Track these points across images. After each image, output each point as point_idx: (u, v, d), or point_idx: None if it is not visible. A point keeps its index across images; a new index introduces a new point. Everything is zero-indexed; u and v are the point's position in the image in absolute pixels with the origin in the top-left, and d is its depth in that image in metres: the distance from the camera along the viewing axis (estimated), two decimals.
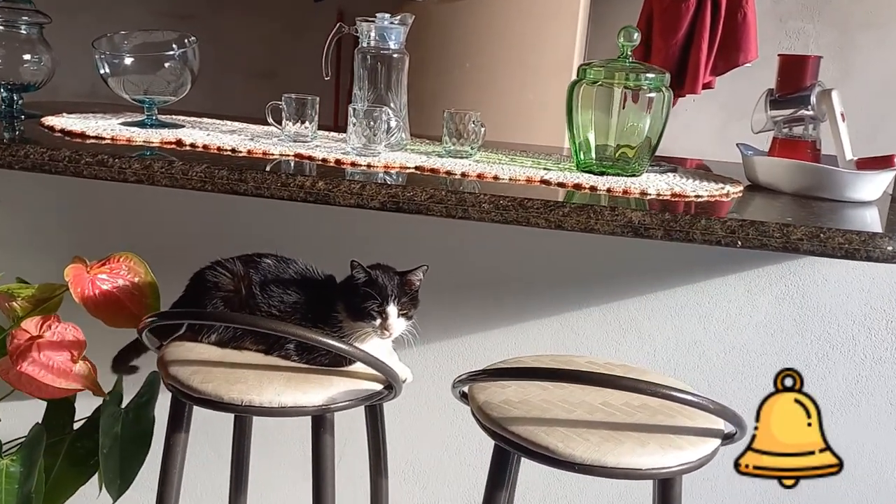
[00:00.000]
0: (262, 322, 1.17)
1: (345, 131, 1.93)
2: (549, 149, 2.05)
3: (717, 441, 1.14)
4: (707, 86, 2.94)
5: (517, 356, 1.39)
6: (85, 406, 1.58)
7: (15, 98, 1.81)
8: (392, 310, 1.24)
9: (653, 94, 1.52)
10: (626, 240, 1.31)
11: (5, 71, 1.78)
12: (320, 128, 1.77)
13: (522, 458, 1.16)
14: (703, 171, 1.76)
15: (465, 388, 1.25)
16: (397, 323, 1.24)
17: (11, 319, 1.42)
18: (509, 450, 1.15)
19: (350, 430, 1.60)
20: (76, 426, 1.59)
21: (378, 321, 1.23)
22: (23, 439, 1.51)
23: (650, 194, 1.43)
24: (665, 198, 1.43)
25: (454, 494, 1.77)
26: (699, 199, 1.44)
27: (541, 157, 1.77)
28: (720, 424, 1.16)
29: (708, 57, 2.87)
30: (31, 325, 1.35)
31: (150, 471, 1.53)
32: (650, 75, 1.53)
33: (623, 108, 1.52)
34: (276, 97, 1.68)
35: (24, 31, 1.79)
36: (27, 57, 1.79)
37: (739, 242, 1.25)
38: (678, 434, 1.12)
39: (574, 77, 1.59)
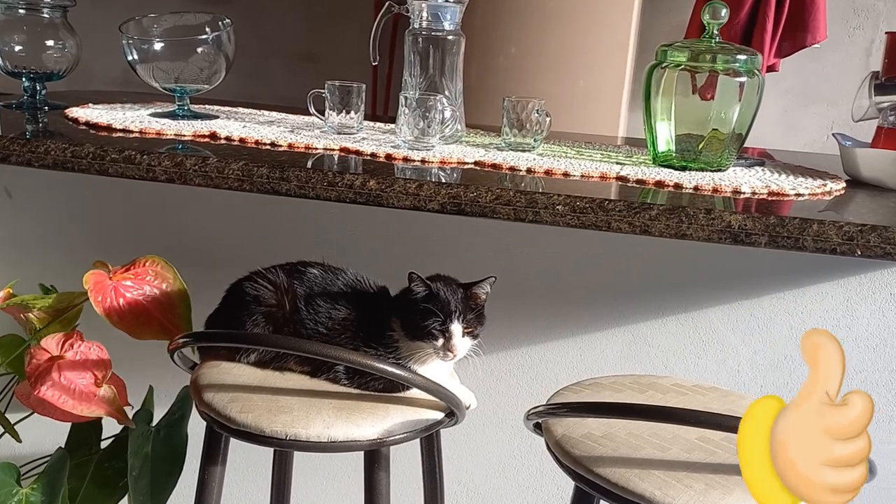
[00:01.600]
0: (309, 346, 1.02)
1: (386, 121, 1.78)
2: (614, 139, 1.87)
3: None
4: (771, 68, 2.73)
5: (591, 377, 1.23)
6: (112, 423, 1.46)
7: (38, 88, 1.68)
8: (456, 328, 1.08)
9: (744, 79, 1.34)
10: (706, 243, 1.14)
11: (27, 58, 1.65)
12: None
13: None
14: (795, 164, 1.57)
15: (539, 420, 1.09)
16: (461, 343, 1.09)
17: (29, 332, 1.29)
18: (593, 493, 0.99)
19: (402, 456, 1.45)
20: (104, 444, 1.47)
21: (440, 341, 1.08)
22: (47, 459, 1.39)
23: (744, 193, 1.26)
24: (761, 197, 1.25)
25: None
26: (800, 199, 1.26)
27: (610, 149, 1.60)
28: None
29: (773, 38, 2.67)
30: (51, 343, 1.21)
31: (182, 492, 1.41)
32: (741, 57, 1.35)
33: (710, 94, 1.34)
34: (317, 83, 1.53)
35: (47, 16, 1.65)
36: (50, 43, 1.66)
37: (859, 251, 1.08)
38: None
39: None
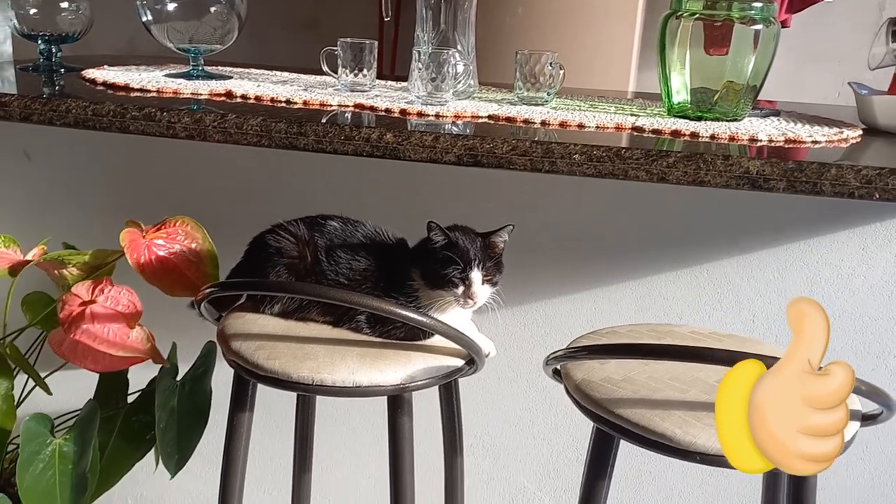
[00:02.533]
0: (335, 293, 1.04)
1: (396, 80, 1.79)
2: (626, 94, 1.87)
3: (857, 424, 0.99)
4: (783, 24, 2.71)
5: (608, 326, 1.25)
6: (137, 378, 1.49)
7: (53, 50, 1.69)
8: (476, 276, 1.10)
9: (760, 27, 1.34)
10: (719, 192, 1.15)
11: (42, 21, 1.66)
12: None
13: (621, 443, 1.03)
14: (810, 115, 1.57)
15: (559, 365, 1.11)
16: (482, 290, 1.11)
17: (62, 288, 1.32)
18: (613, 434, 1.01)
19: (421, 405, 1.48)
20: (130, 399, 1.50)
21: (461, 289, 1.09)
22: (75, 414, 1.43)
23: (761, 140, 1.26)
24: (778, 144, 1.25)
25: (525, 468, 1.66)
26: (816, 146, 1.26)
27: (623, 102, 1.60)
28: (857, 405, 1.01)
29: None
30: (82, 289, 1.24)
31: (206, 444, 1.45)
32: (757, 5, 1.34)
33: (725, 47, 1.34)
34: (319, 47, 1.54)
35: None
36: (64, 6, 1.66)
37: (877, 194, 1.08)
38: None
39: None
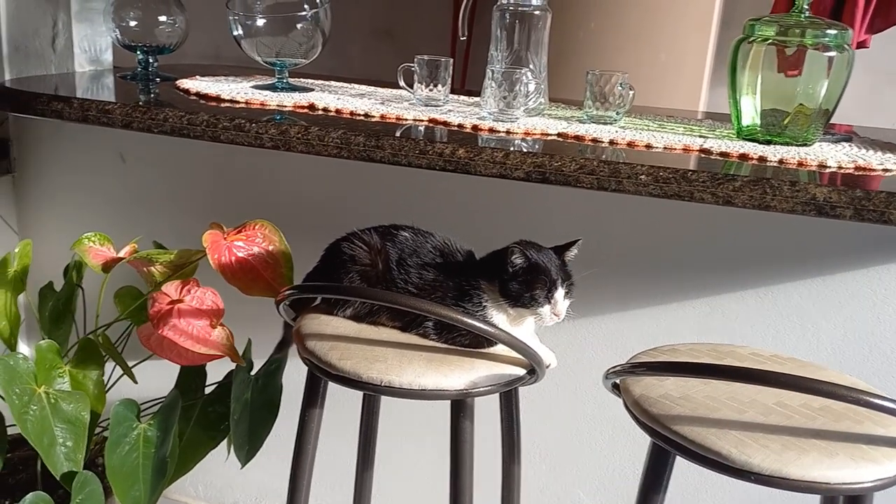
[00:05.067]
0: (411, 301, 1.10)
1: (463, 93, 1.84)
2: (695, 114, 1.88)
3: None
4: (861, 45, 2.64)
5: (668, 344, 1.27)
6: (214, 371, 1.58)
7: (150, 61, 1.80)
8: (560, 294, 1.15)
9: (833, 54, 1.34)
10: (787, 216, 1.15)
11: (141, 33, 1.78)
12: None
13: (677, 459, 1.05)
14: (883, 141, 1.56)
15: (618, 380, 1.14)
16: (564, 306, 1.16)
17: (150, 284, 1.41)
18: (670, 450, 1.04)
19: (481, 411, 1.53)
20: (206, 391, 1.59)
21: (546, 307, 1.14)
22: (155, 402, 1.52)
23: (830, 167, 1.27)
24: (848, 171, 1.26)
25: (580, 480, 1.68)
26: (888, 174, 1.26)
27: (692, 122, 1.62)
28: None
29: (865, 13, 2.58)
30: (171, 288, 1.34)
31: (273, 438, 1.52)
32: (831, 31, 1.34)
33: (798, 69, 1.35)
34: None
35: None
36: (162, 19, 1.78)
37: None
38: (871, 444, 0.98)
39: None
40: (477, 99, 1.68)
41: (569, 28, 2.50)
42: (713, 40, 2.51)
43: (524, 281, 1.14)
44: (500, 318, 1.17)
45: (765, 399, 1.07)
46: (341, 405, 1.57)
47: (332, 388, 1.21)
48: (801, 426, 1.02)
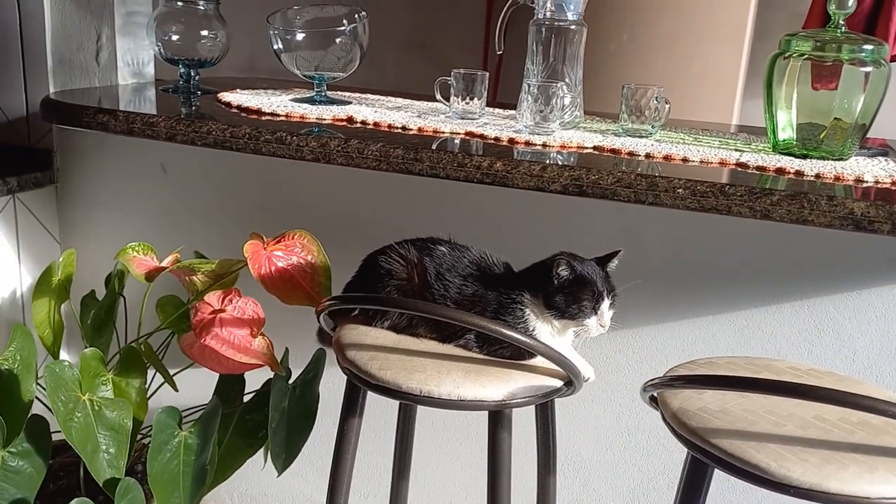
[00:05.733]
0: (458, 314, 1.12)
1: (498, 106, 1.86)
2: (730, 127, 1.88)
3: None
4: (895, 58, 2.64)
5: (705, 357, 1.27)
6: (253, 379, 1.61)
7: (192, 74, 1.85)
8: (605, 305, 1.17)
9: (870, 69, 1.34)
10: (822, 230, 1.15)
11: (184, 47, 1.82)
12: None
13: (715, 472, 1.06)
14: None
15: (655, 392, 1.15)
16: (609, 316, 1.18)
17: (191, 293, 1.45)
18: (708, 463, 1.04)
19: (517, 422, 1.54)
20: (245, 399, 1.62)
21: (592, 318, 1.16)
22: (195, 410, 1.55)
23: (867, 182, 1.27)
24: (885, 186, 1.26)
25: (616, 492, 1.68)
26: None
27: (728, 136, 1.62)
28: None
29: None
30: (213, 298, 1.37)
31: (309, 448, 1.54)
32: (868, 47, 1.34)
33: (834, 84, 1.35)
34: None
35: (202, 8, 1.82)
36: (204, 33, 1.82)
37: None
38: None
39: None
40: (511, 112, 1.70)
41: (601, 40, 2.51)
42: (746, 52, 2.51)
43: (570, 292, 1.15)
44: (543, 330, 1.18)
45: (803, 413, 1.07)
46: (377, 415, 1.59)
47: (369, 397, 1.23)
48: (841, 440, 1.02)
